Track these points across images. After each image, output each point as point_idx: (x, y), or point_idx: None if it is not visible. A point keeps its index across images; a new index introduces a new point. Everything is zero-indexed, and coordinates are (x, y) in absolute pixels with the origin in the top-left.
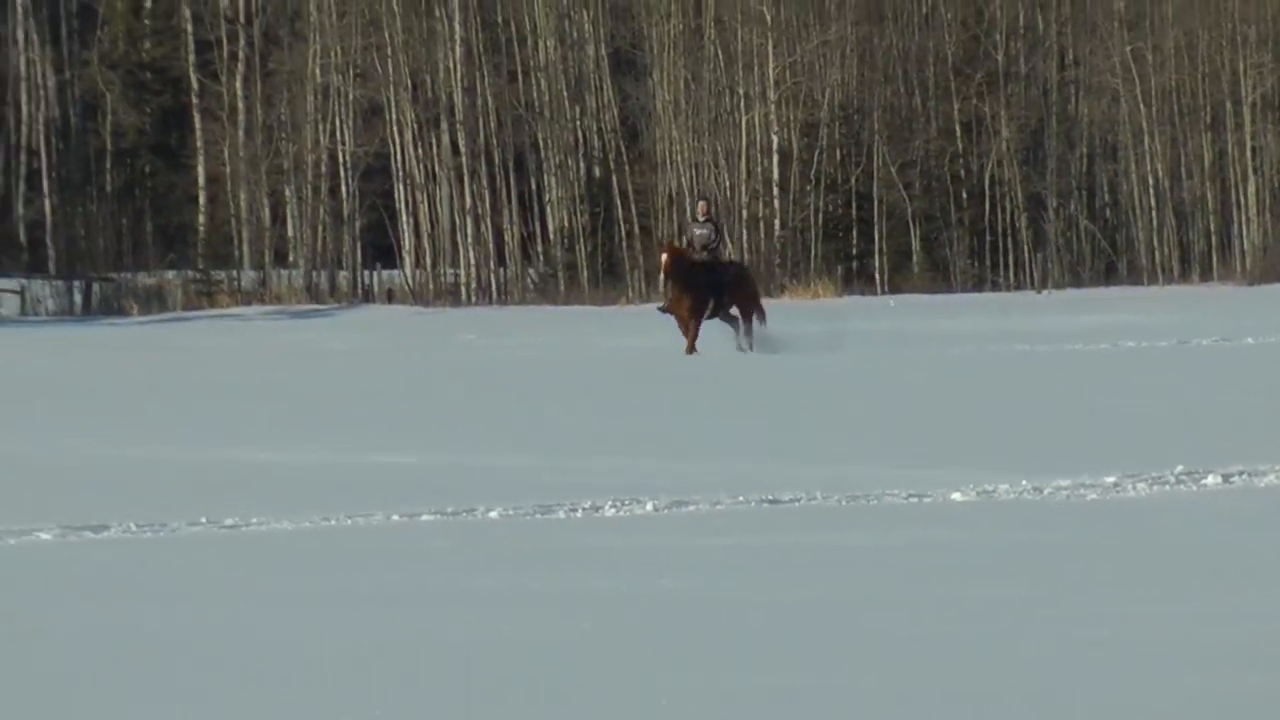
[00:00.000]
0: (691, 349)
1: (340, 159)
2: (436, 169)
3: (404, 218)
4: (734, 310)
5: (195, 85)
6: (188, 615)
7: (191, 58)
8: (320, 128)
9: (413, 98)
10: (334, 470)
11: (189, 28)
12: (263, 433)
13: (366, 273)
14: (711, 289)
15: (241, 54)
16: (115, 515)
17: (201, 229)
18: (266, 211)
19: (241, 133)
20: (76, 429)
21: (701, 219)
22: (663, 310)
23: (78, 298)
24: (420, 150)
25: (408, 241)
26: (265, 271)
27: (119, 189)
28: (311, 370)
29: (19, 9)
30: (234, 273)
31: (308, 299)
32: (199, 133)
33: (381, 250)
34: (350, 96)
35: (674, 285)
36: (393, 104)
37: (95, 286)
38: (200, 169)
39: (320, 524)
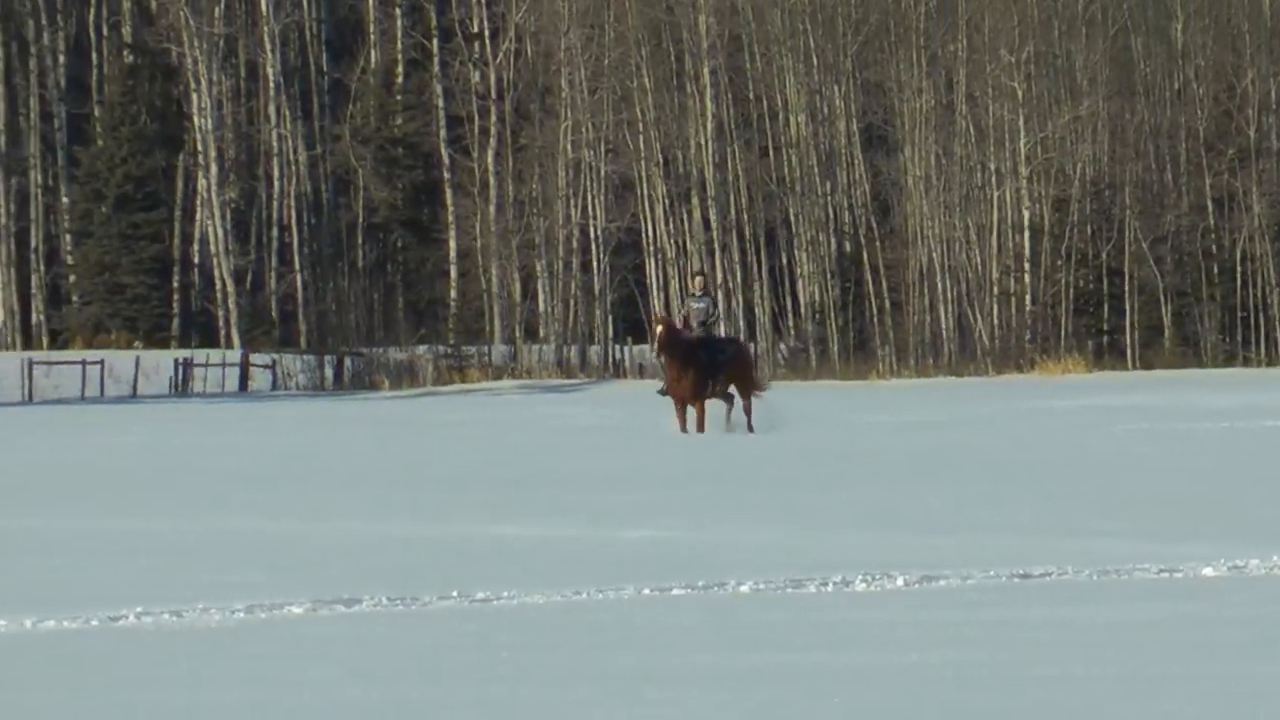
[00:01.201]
0: (700, 427)
1: (591, 234)
2: (688, 243)
3: (655, 292)
4: (730, 389)
5: (447, 160)
6: (439, 692)
7: (443, 133)
8: (571, 203)
9: (664, 173)
10: (585, 545)
11: (440, 103)
12: (516, 508)
13: (617, 347)
14: (709, 367)
15: (493, 129)
16: (367, 589)
17: (453, 304)
18: (517, 286)
19: (493, 208)
20: (329, 504)
21: (698, 293)
22: (662, 393)
23: (329, 372)
24: (671, 225)
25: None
26: (516, 346)
27: (370, 264)
28: (563, 445)
29: (271, 85)
30: (485, 347)
31: (558, 373)
32: (450, 207)
33: (632, 324)
34: (601, 171)
35: (671, 364)
36: (644, 179)
37: (347, 361)
38: (451, 244)
39: (572, 597)
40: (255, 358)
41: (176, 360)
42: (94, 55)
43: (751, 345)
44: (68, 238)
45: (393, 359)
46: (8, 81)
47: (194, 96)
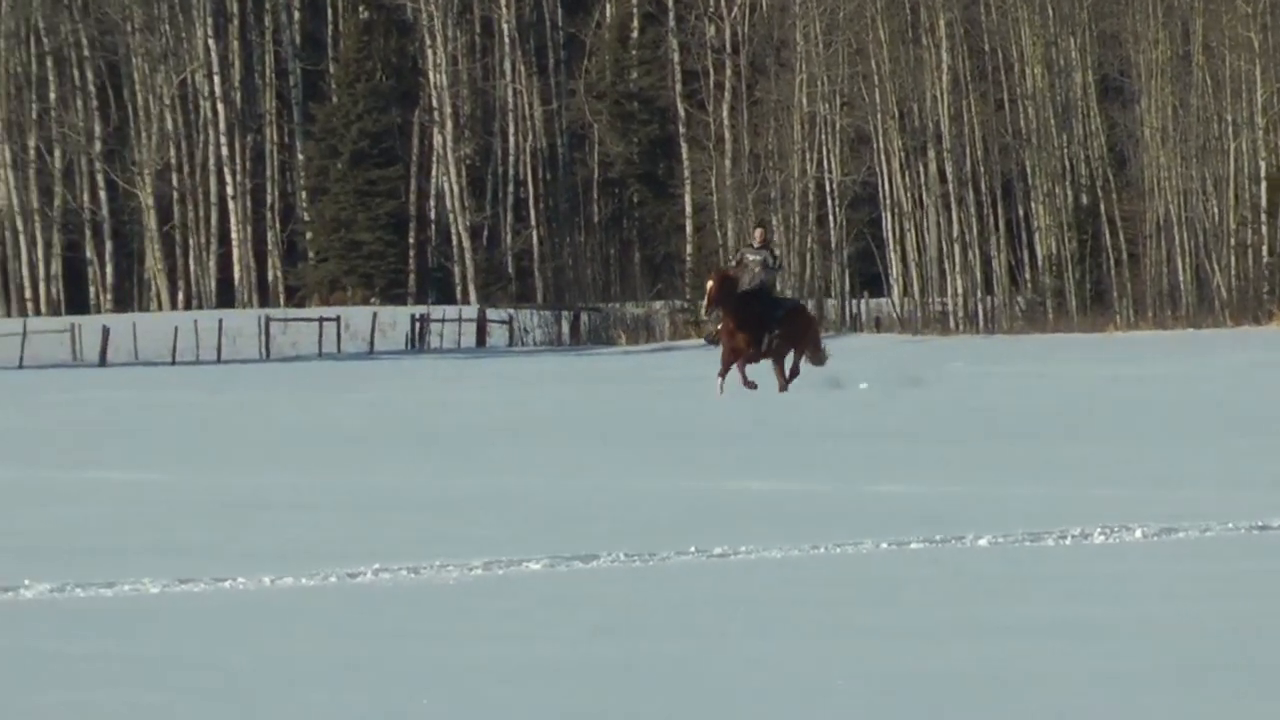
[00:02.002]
0: (746, 382)
1: (827, 187)
2: (924, 197)
3: (891, 246)
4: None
5: (682, 114)
6: (676, 647)
7: (678, 87)
8: (807, 156)
9: (900, 126)
10: (823, 500)
11: (676, 57)
12: (753, 462)
13: (854, 301)
14: (764, 319)
15: (728, 83)
16: (605, 545)
17: (688, 258)
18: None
19: (728, 162)
20: (566, 459)
21: (757, 244)
22: (711, 341)
23: (565, 328)
24: (907, 178)
25: (895, 269)
26: None
27: (606, 219)
28: (799, 399)
29: (506, 41)
30: None
31: None
32: (685, 162)
33: (869, 278)
34: (837, 125)
35: (726, 316)
36: (880, 132)
37: (583, 316)
38: (687, 198)
39: (809, 552)
40: (492, 313)
41: (413, 316)
42: (329, 11)
43: (814, 310)
44: (303, 195)
45: (629, 314)
46: (243, 38)
47: (429, 52)
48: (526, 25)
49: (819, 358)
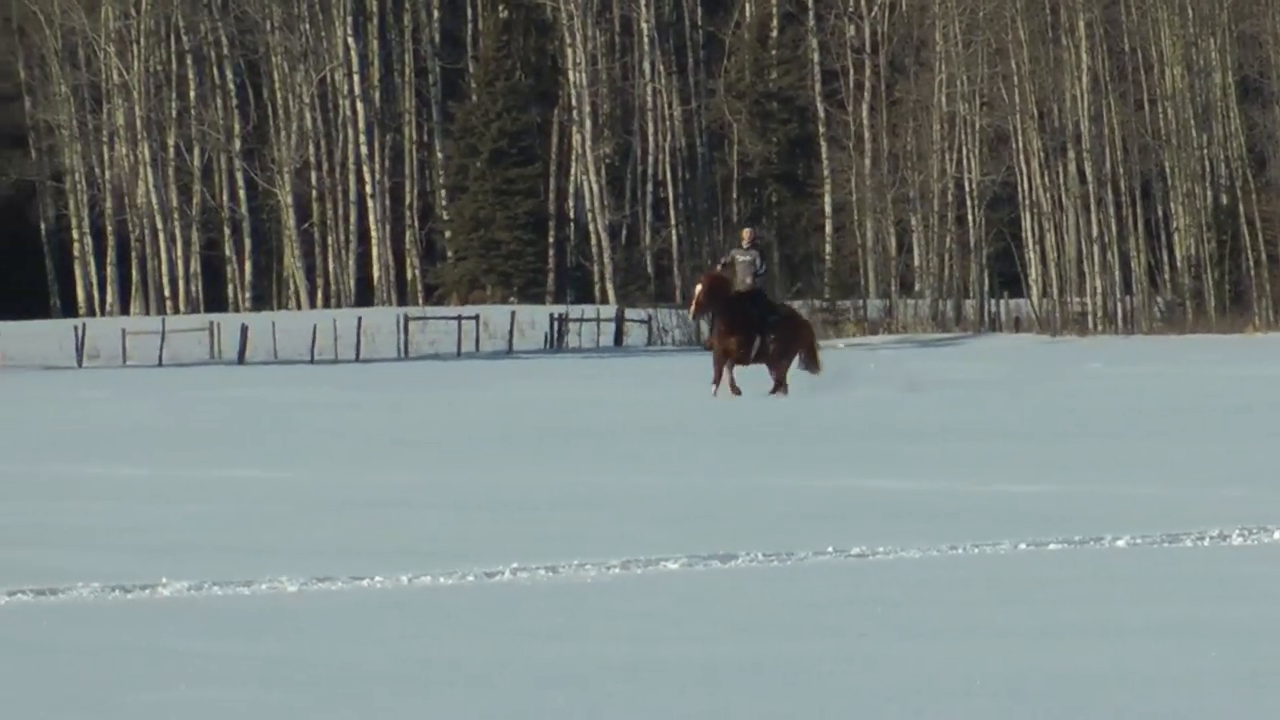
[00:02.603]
0: (734, 389)
1: (966, 187)
2: (1063, 197)
3: (1030, 246)
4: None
5: (821, 114)
6: (813, 647)
7: (818, 86)
8: (946, 156)
9: (1039, 126)
10: (961, 499)
11: (815, 57)
12: (891, 461)
13: (993, 301)
14: (758, 323)
15: (868, 83)
16: (743, 544)
17: (828, 258)
18: (892, 240)
19: (868, 161)
20: (704, 458)
21: (746, 245)
22: (708, 346)
23: (704, 327)
24: (1046, 178)
25: (1034, 270)
26: (891, 300)
27: (745, 218)
28: (937, 399)
29: (645, 40)
30: (860, 302)
31: (934, 328)
32: (825, 162)
33: (1008, 278)
34: (976, 125)
35: (718, 318)
36: (1019, 132)
37: None
38: (826, 198)
39: (947, 552)
40: (630, 313)
41: (552, 315)
42: (469, 10)
43: (810, 320)
44: (442, 193)
45: None
46: (383, 37)
47: (569, 51)
48: (666, 24)
49: (814, 367)
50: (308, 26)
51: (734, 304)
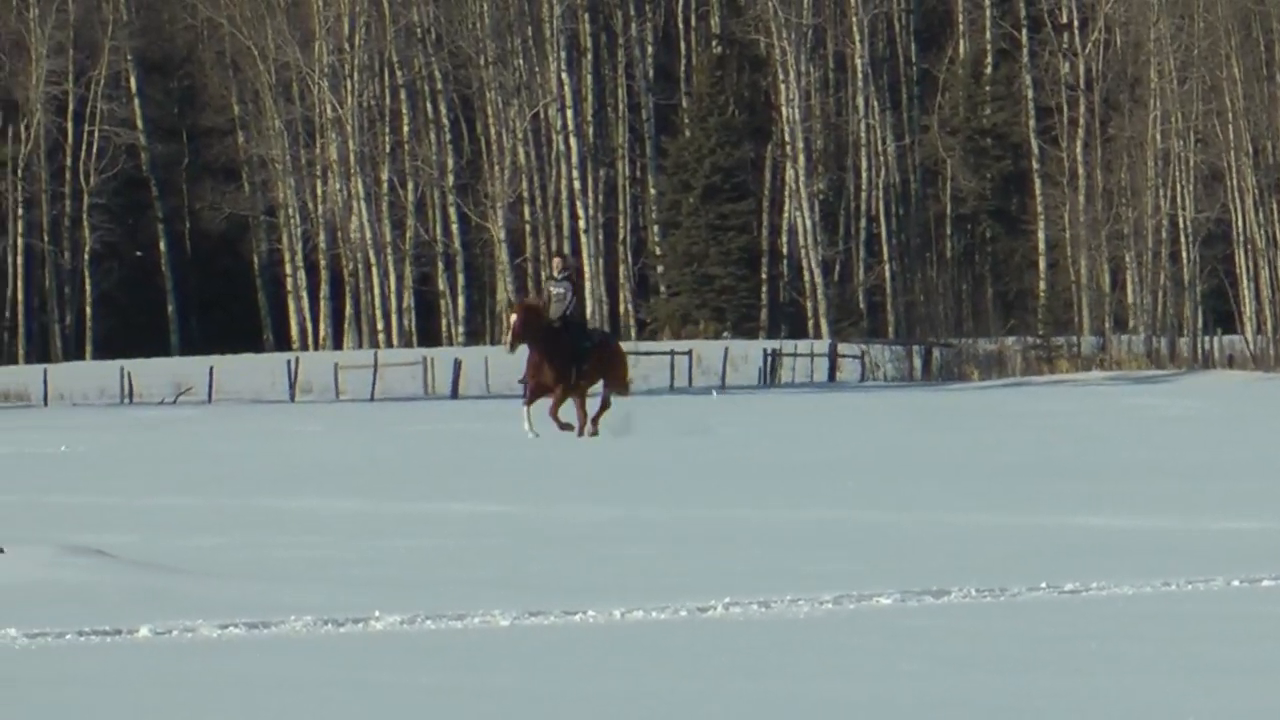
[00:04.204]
0: (560, 424)
1: (1180, 224)
2: (1277, 234)
3: (1244, 283)
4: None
5: (1035, 150)
6: (1025, 682)
7: (1032, 123)
8: (1160, 193)
9: (1254, 163)
10: (1174, 535)
11: (1029, 93)
12: (1105, 498)
13: (1207, 338)
14: (573, 353)
15: (1082, 119)
16: (956, 580)
17: (1041, 294)
18: (1106, 277)
19: (1081, 198)
20: (917, 494)
21: (558, 275)
22: (522, 381)
23: (917, 362)
24: (1261, 215)
25: (1248, 306)
26: (1105, 337)
27: (958, 255)
28: (1152, 436)
29: (859, 75)
30: (1074, 338)
31: (1148, 364)
32: (1039, 198)
33: (1222, 315)
34: (1190, 161)
35: (534, 350)
36: (1233, 169)
37: (935, 352)
38: (1040, 234)
39: (1160, 589)
40: (843, 348)
41: (765, 350)
42: (682, 46)
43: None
44: (655, 229)
45: (981, 349)
46: (596, 72)
47: (782, 87)
48: (880, 60)
49: (624, 389)
50: (521, 61)
51: (549, 335)
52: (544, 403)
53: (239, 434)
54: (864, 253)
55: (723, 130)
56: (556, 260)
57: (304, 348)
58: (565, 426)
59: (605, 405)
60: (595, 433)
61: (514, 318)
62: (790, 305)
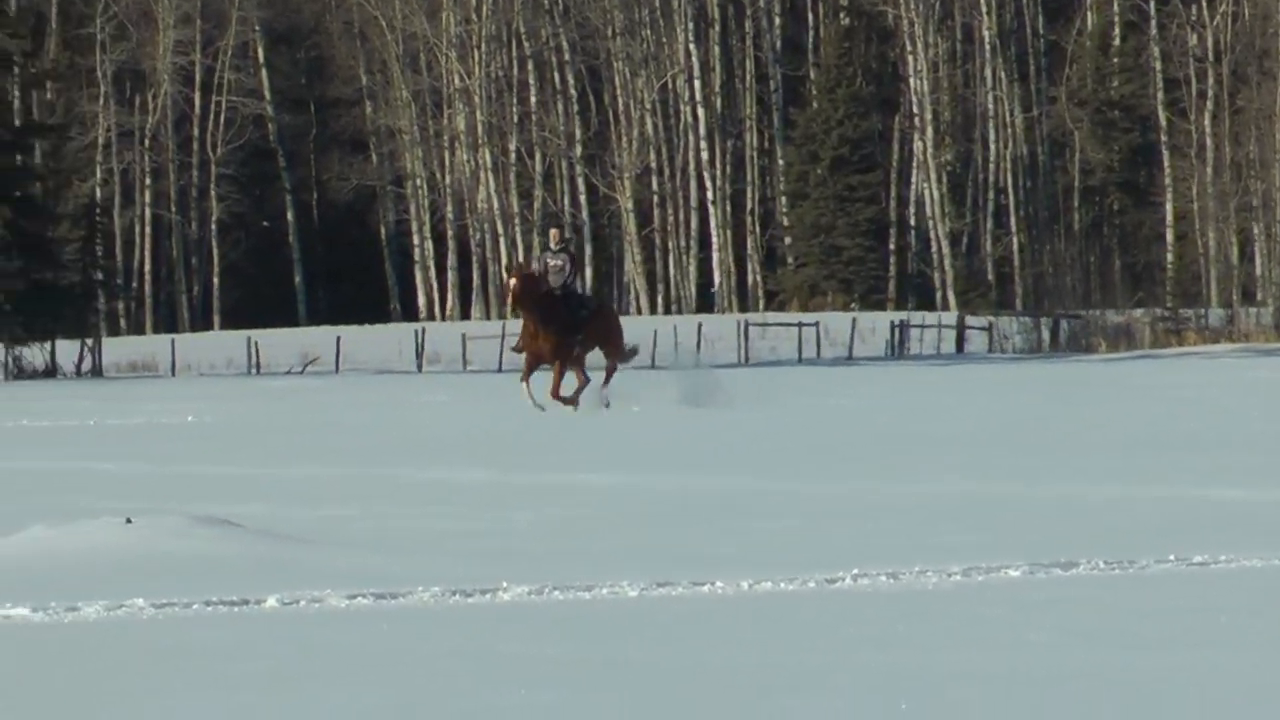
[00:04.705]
0: (561, 399)
1: None
2: None
3: None
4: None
5: (1163, 123)
6: (1152, 656)
7: (1160, 95)
8: None
9: None
10: None
11: (1158, 65)
12: (1234, 471)
13: None
14: (570, 323)
15: (1210, 91)
16: (1084, 552)
17: (1169, 266)
18: (1235, 249)
19: (1209, 170)
20: (1044, 466)
21: (555, 247)
22: (516, 350)
23: (1045, 334)
24: None
25: None
26: (1233, 309)
27: (1086, 226)
28: (1253, 407)
29: (987, 47)
30: (1202, 310)
31: (1276, 337)
32: (1167, 170)
33: None
34: None
35: (529, 318)
36: None
37: (1063, 323)
38: (1168, 206)
39: (1272, 562)
40: (971, 320)
41: (892, 322)
42: (810, 17)
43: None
44: (783, 200)
45: (1109, 321)
46: (724, 43)
47: (909, 59)
48: (1007, 32)
49: (624, 355)
50: (649, 32)
51: (545, 303)
52: (542, 379)
53: (366, 404)
54: (991, 224)
55: (851, 101)
56: (554, 231)
57: (431, 318)
58: (570, 402)
59: (611, 371)
60: (606, 403)
61: (512, 282)
62: (918, 277)
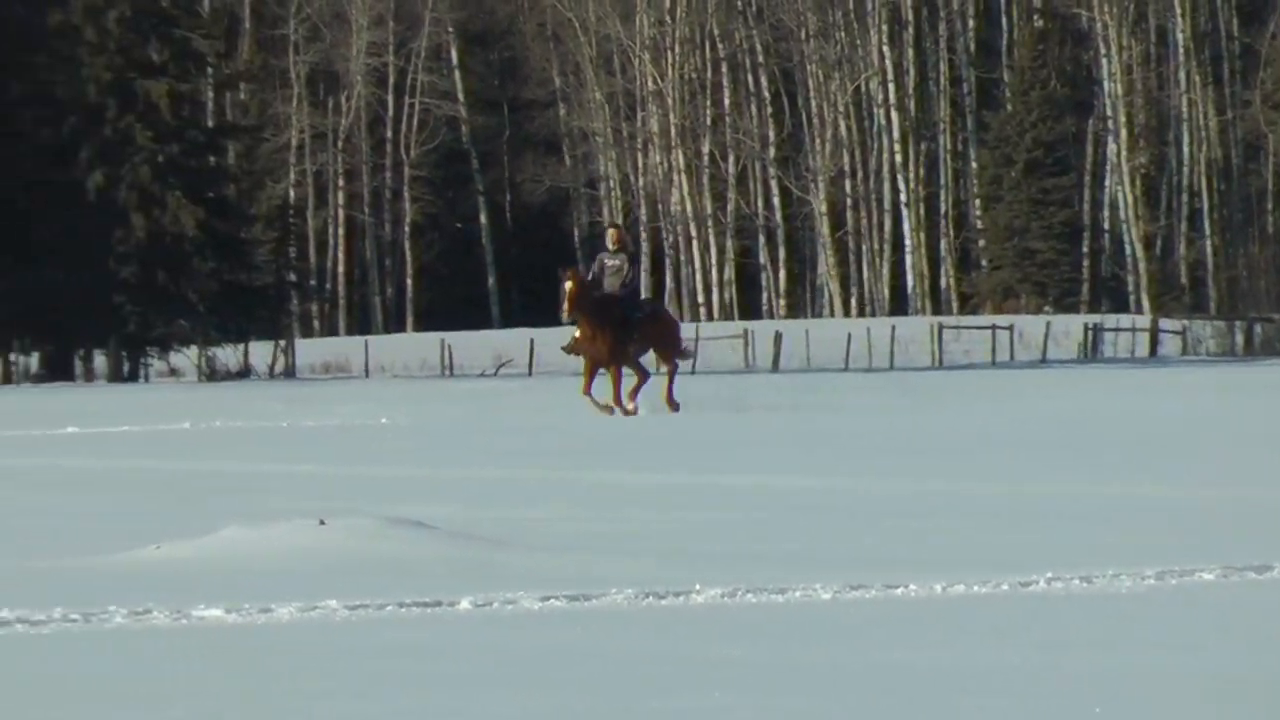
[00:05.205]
0: (617, 399)
1: None
2: None
3: None
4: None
5: None
6: None
7: None
8: None
9: None
10: None
11: None
12: None
13: None
14: (625, 325)
15: None
16: (1278, 555)
17: None
18: None
19: None
20: (1238, 470)
21: (613, 248)
22: (568, 350)
23: (1239, 338)
24: None
25: None
26: None
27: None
28: None
29: (1180, 50)
30: None
31: None
32: None
33: None
34: None
35: (584, 321)
36: None
37: (1257, 327)
38: None
39: None
40: (1165, 323)
41: (1086, 325)
42: (1004, 20)
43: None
44: (976, 203)
45: None
46: (918, 45)
47: (1103, 61)
48: (1201, 35)
49: (681, 355)
50: (842, 34)
51: (599, 306)
52: (603, 384)
53: (558, 406)
54: (1185, 227)
55: (1044, 104)
56: (612, 231)
57: None
58: (627, 409)
59: (671, 378)
60: (673, 406)
61: (568, 285)
62: (1111, 280)
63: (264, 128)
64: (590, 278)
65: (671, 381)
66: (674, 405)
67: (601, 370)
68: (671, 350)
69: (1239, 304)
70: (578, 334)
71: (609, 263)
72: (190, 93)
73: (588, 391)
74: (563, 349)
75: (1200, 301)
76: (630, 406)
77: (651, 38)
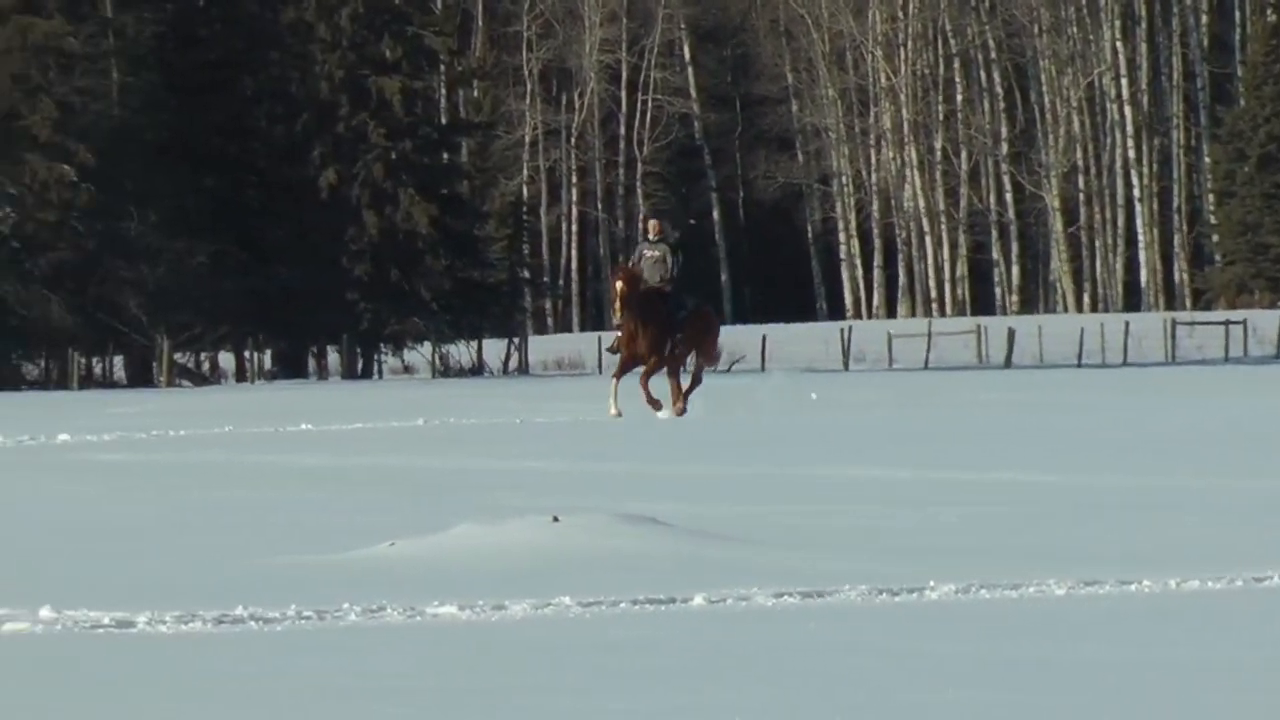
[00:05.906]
0: (650, 399)
1: None
2: None
3: None
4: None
5: None
6: None
7: None
8: None
9: None
10: None
11: None
12: None
13: None
14: (669, 322)
15: None
16: None
17: None
18: None
19: None
20: None
21: (653, 238)
22: (612, 350)
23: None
24: None
25: None
26: None
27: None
28: None
29: None
30: None
31: None
32: None
33: None
34: None
35: (630, 319)
36: None
37: None
38: None
39: None
40: None
41: None
42: (1236, 14)
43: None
44: (1210, 198)
45: None
46: (1151, 40)
47: None
48: None
49: (714, 359)
50: (1075, 30)
51: (644, 303)
52: (631, 378)
53: (790, 406)
54: None
55: (1278, 99)
56: (653, 223)
57: (857, 316)
58: (653, 402)
59: (696, 380)
60: (684, 410)
61: (618, 284)
62: None
63: (497, 125)
64: (634, 261)
65: (695, 384)
66: (684, 408)
67: (637, 368)
68: (708, 353)
69: None
70: (623, 331)
71: (649, 253)
72: (423, 90)
73: (617, 378)
74: (608, 349)
75: None
76: (679, 407)
77: (884, 34)
